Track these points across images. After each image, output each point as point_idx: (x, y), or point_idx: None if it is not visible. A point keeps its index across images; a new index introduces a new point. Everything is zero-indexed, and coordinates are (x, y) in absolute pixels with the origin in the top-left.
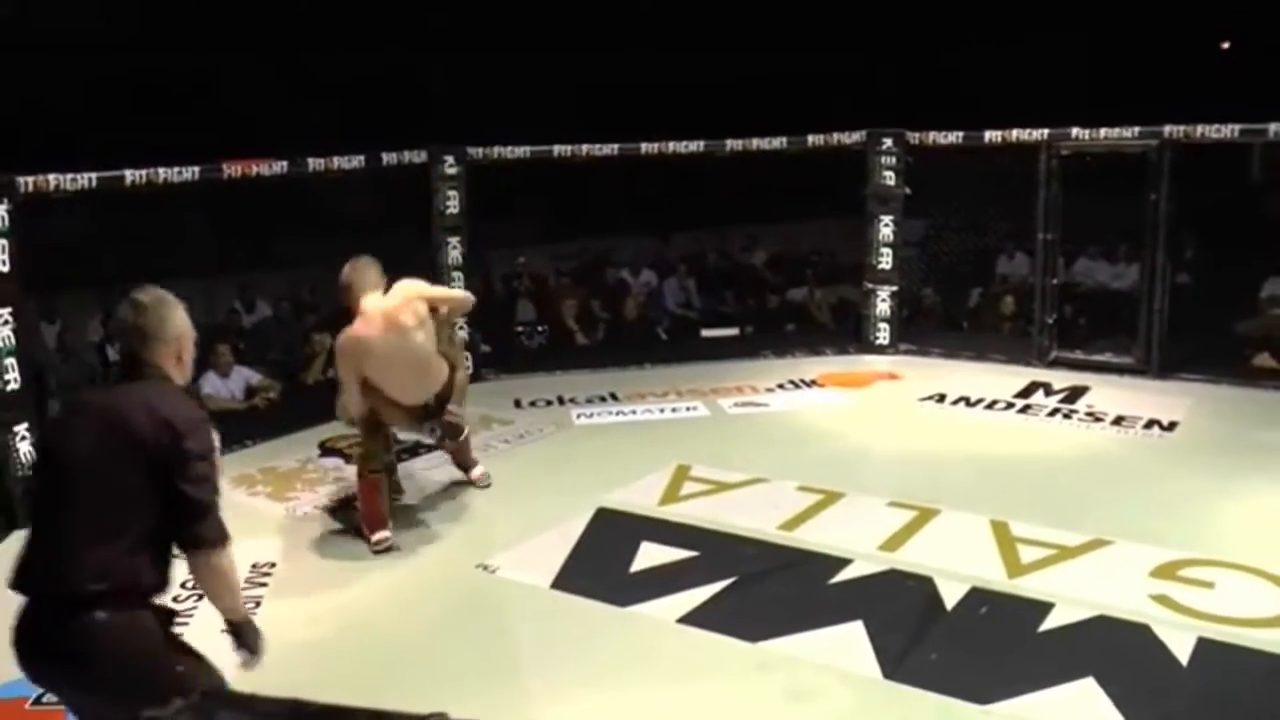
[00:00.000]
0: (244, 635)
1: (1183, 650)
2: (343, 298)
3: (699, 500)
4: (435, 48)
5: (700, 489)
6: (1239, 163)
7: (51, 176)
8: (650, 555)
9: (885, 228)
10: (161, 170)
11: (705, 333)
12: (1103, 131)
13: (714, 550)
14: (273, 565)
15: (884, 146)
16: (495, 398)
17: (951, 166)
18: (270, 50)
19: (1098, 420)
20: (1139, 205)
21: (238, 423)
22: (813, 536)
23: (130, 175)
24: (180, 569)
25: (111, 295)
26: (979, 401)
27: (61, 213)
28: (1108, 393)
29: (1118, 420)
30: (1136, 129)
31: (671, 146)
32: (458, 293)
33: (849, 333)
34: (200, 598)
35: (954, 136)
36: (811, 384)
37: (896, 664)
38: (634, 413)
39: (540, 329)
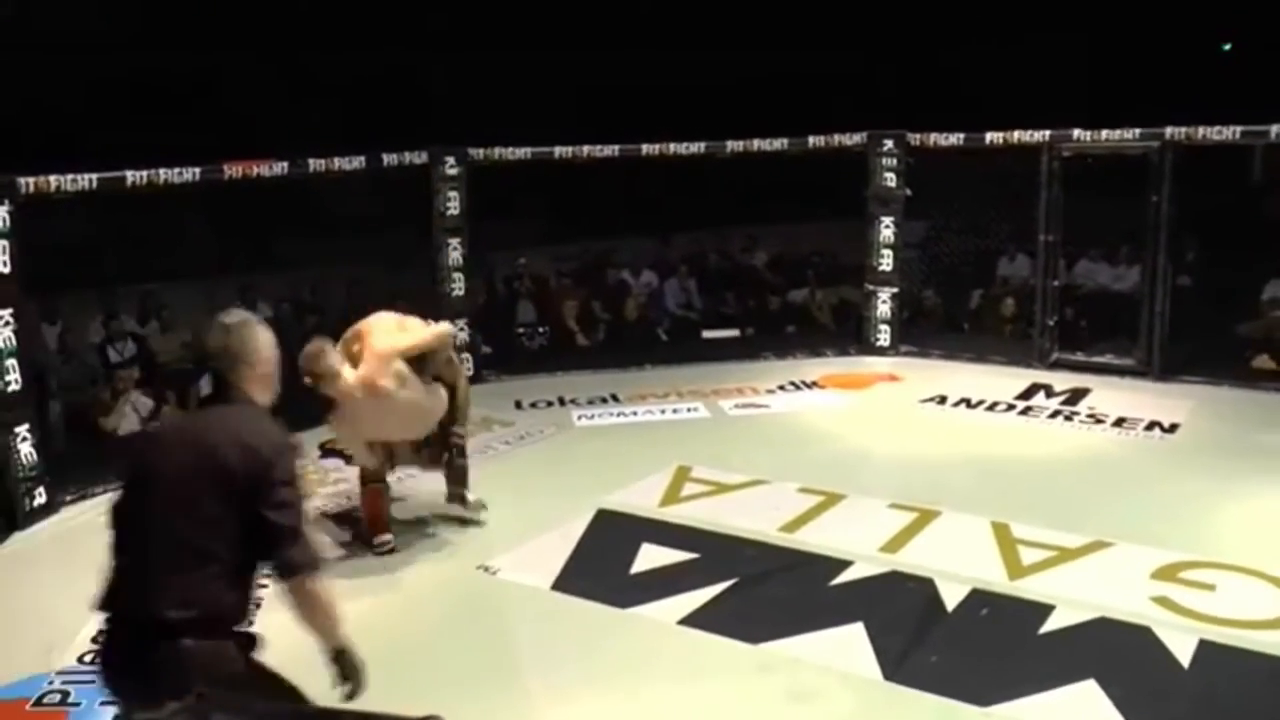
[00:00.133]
0: (344, 663)
1: (1184, 652)
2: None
3: (700, 501)
4: (435, 48)
5: (701, 490)
6: (1240, 164)
7: (52, 177)
8: (651, 557)
9: (886, 229)
10: (162, 171)
11: (706, 334)
12: (1104, 133)
13: (715, 552)
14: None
15: (885, 148)
16: (496, 399)
17: (952, 168)
18: (270, 50)
19: (1099, 422)
20: (1140, 207)
21: None
22: (813, 538)
23: (131, 176)
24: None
25: (112, 296)
26: (980, 403)
27: (62, 214)
28: (1109, 394)
29: (1119, 422)
30: (1138, 130)
31: (672, 147)
32: (429, 334)
33: (850, 334)
34: None
35: (955, 138)
36: (812, 385)
37: (897, 665)
38: (635, 414)
39: (541, 330)
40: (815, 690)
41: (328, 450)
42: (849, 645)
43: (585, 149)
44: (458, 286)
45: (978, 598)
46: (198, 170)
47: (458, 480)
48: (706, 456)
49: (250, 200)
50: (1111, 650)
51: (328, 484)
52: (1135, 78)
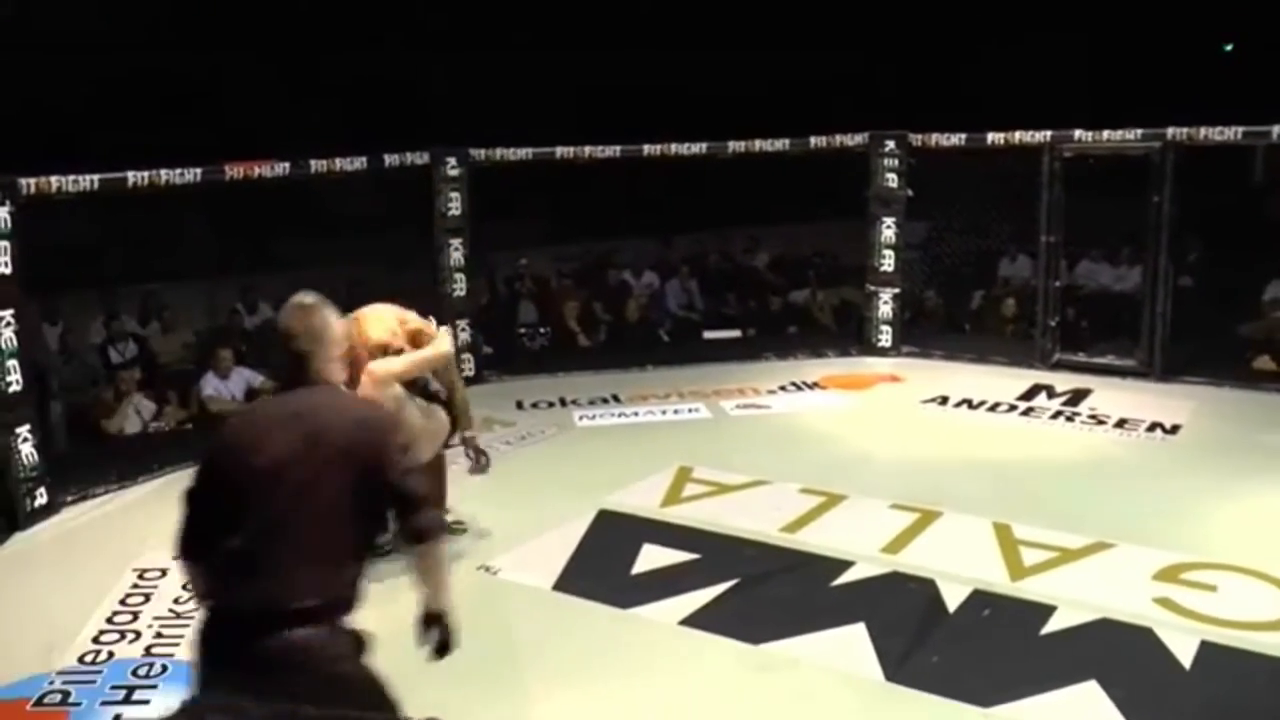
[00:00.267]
0: (444, 626)
1: (1185, 653)
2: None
3: (701, 502)
4: (436, 48)
5: (702, 491)
6: (1241, 165)
7: (53, 178)
8: (652, 557)
9: (888, 230)
10: (163, 171)
11: (707, 334)
12: (1105, 133)
13: (716, 552)
14: None
15: (886, 148)
16: (497, 399)
17: (954, 168)
18: (271, 51)
19: (1100, 423)
20: (1141, 207)
21: None
22: (815, 539)
23: (132, 177)
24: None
25: (113, 296)
26: (981, 404)
27: (64, 214)
28: (1110, 395)
29: (1120, 423)
30: (1139, 131)
31: (674, 148)
32: (428, 355)
33: (851, 335)
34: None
35: (956, 138)
36: (813, 386)
37: (898, 666)
38: (636, 414)
39: (542, 330)
40: (816, 691)
41: None
42: (850, 646)
43: (587, 150)
44: (459, 287)
45: (979, 598)
46: (199, 171)
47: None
48: (708, 457)
49: (251, 201)
50: (1113, 651)
51: None
52: (1136, 78)
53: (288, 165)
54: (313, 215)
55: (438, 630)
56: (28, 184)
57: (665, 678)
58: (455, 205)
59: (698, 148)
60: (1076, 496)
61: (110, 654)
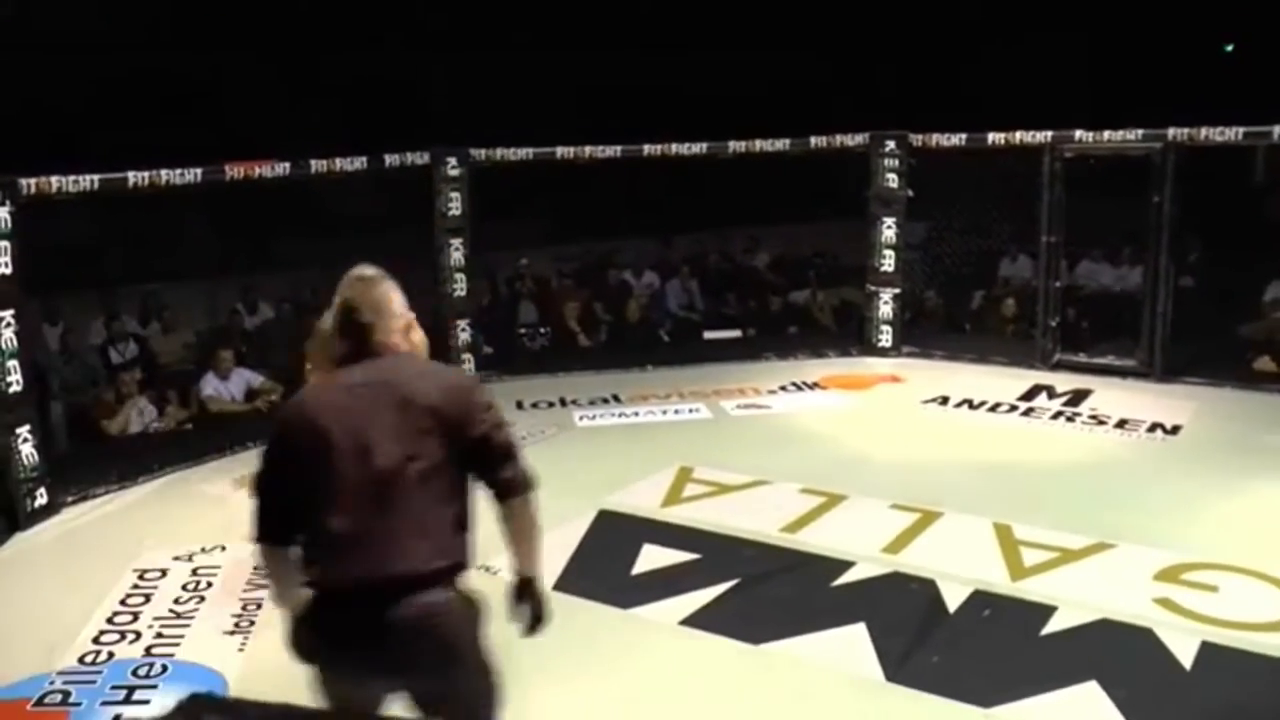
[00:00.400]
0: (534, 593)
1: (1186, 654)
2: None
3: (701, 502)
4: (436, 48)
5: (702, 491)
6: (1242, 165)
7: (54, 178)
8: (652, 557)
9: (888, 230)
10: (164, 172)
11: (707, 334)
12: (1106, 134)
13: (716, 552)
14: None
15: (887, 148)
16: (498, 399)
17: (954, 169)
18: (271, 51)
19: (1101, 423)
20: (1141, 206)
21: (239, 425)
22: (815, 539)
23: (132, 177)
24: None
25: (113, 296)
26: (982, 404)
27: (64, 215)
28: (1111, 396)
29: (1121, 423)
30: (1140, 131)
31: (674, 148)
32: None
33: (851, 335)
34: (208, 586)
35: (957, 139)
36: (814, 386)
37: (899, 666)
38: (636, 414)
39: (542, 331)
40: (817, 691)
41: None
42: (851, 646)
43: (587, 150)
44: (459, 287)
45: (980, 599)
46: (199, 171)
47: None
48: (708, 457)
49: (252, 201)
50: (1113, 652)
51: None
52: (1137, 78)
53: (288, 165)
54: (313, 215)
55: (529, 602)
56: (28, 184)
57: (665, 678)
58: (456, 205)
59: (698, 148)
60: (1077, 497)
61: (110, 654)
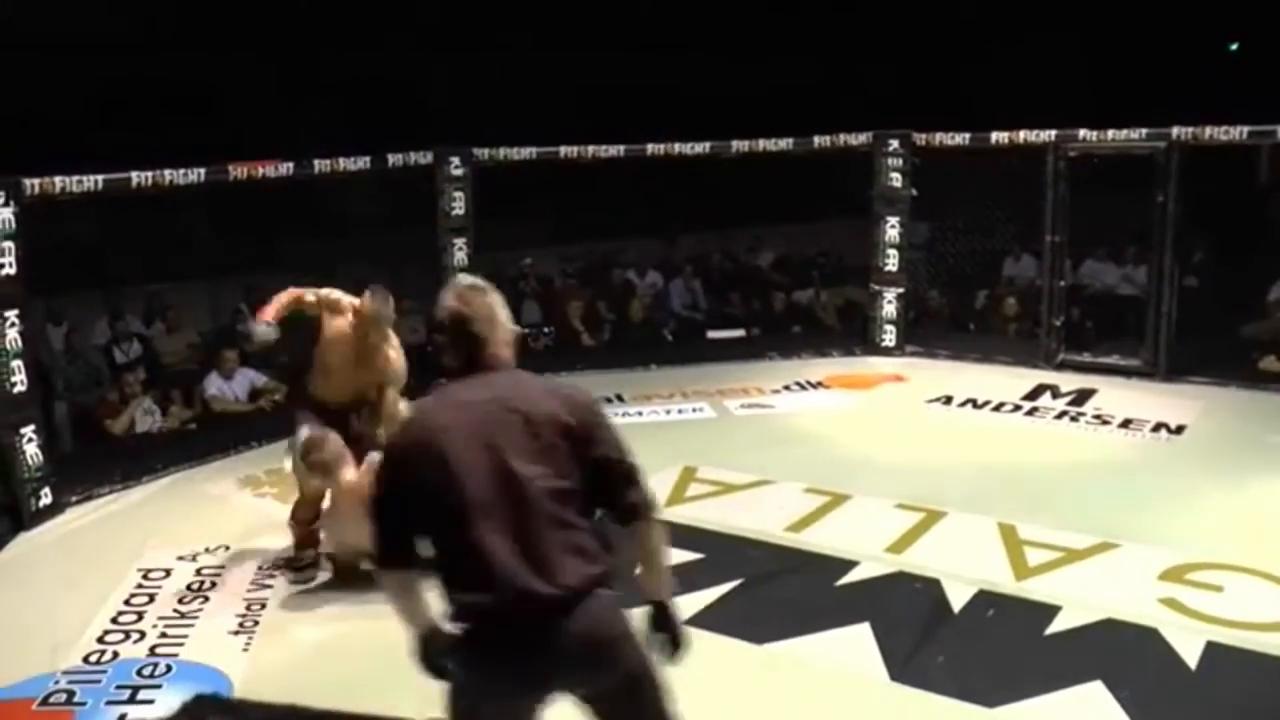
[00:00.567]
0: (673, 619)
1: (1191, 654)
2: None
3: (705, 502)
4: (437, 49)
5: (706, 490)
6: (1247, 164)
7: (57, 178)
8: None
9: (891, 229)
10: (167, 172)
11: (711, 334)
12: (1110, 133)
13: (720, 552)
14: (279, 567)
15: (890, 148)
16: None
17: (958, 168)
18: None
19: (1105, 423)
20: (1146, 203)
21: (242, 425)
22: (819, 538)
23: (136, 177)
24: None
25: (117, 297)
26: (986, 404)
27: (68, 215)
28: (1115, 395)
29: (1125, 423)
30: (1144, 130)
31: (677, 148)
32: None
33: (855, 334)
34: (212, 586)
35: (961, 138)
36: (817, 386)
37: (903, 666)
38: (640, 414)
39: (546, 330)
40: (821, 690)
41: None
42: (855, 646)
43: (590, 149)
44: None
45: (984, 598)
46: (203, 171)
47: None
48: (712, 457)
49: (254, 201)
50: (1118, 652)
51: None
52: (1142, 77)
53: (291, 165)
54: (316, 215)
55: (667, 628)
56: (32, 184)
57: (669, 677)
58: (459, 205)
59: (701, 147)
60: (1081, 496)
61: (115, 654)
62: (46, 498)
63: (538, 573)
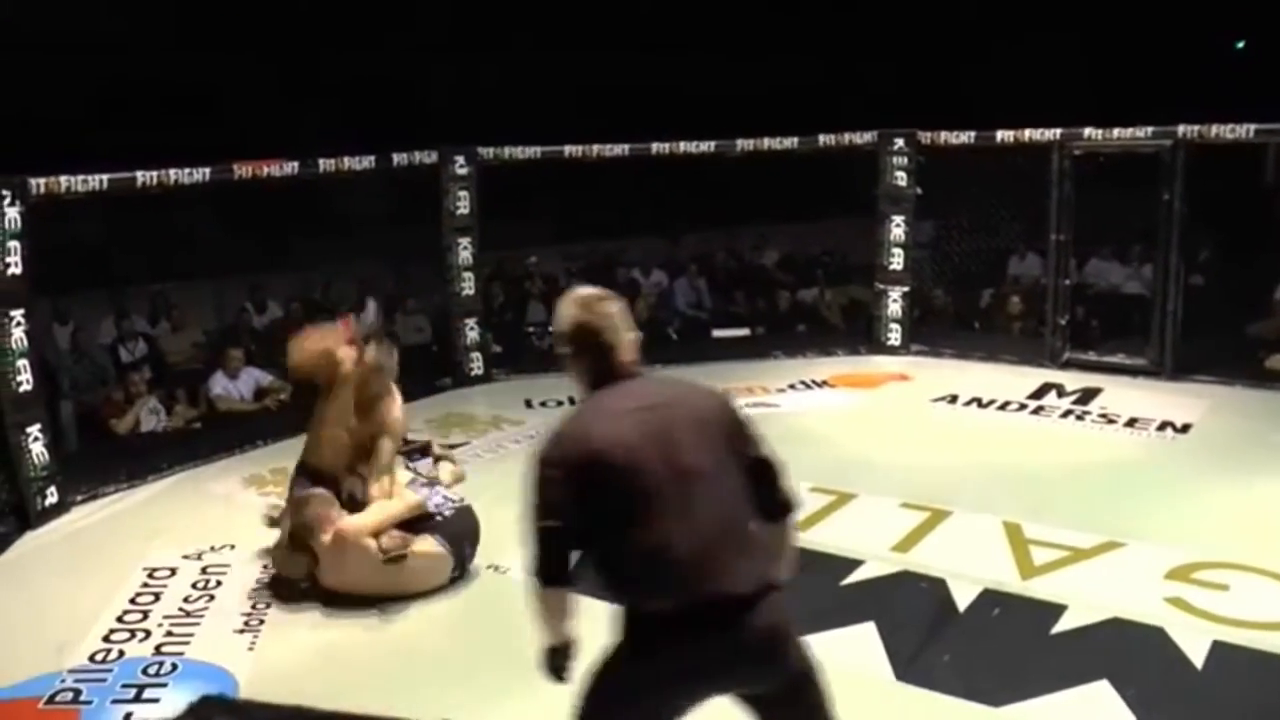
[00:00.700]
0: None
1: (1198, 653)
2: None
3: None
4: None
5: None
6: (1253, 163)
7: (63, 178)
8: None
9: (896, 228)
10: (173, 171)
11: (716, 333)
12: (1116, 131)
13: None
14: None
15: (895, 146)
16: (506, 397)
17: (963, 167)
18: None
19: (1111, 422)
20: (1151, 200)
21: (247, 424)
22: (824, 537)
23: (141, 176)
24: None
25: (122, 296)
26: (991, 403)
27: (74, 215)
28: (1121, 394)
29: (1131, 422)
30: (1150, 129)
31: (682, 146)
32: (399, 507)
33: (860, 333)
34: (218, 585)
35: (966, 136)
36: (822, 384)
37: (908, 665)
38: None
39: (551, 329)
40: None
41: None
42: (860, 645)
43: (595, 148)
44: (467, 286)
45: (990, 598)
46: (207, 170)
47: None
48: None
49: (259, 200)
50: (1124, 651)
51: None
52: (1147, 76)
53: (296, 165)
54: (319, 215)
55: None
56: (38, 184)
57: None
58: (463, 204)
59: (706, 146)
60: (1087, 495)
61: (121, 652)
62: (52, 497)
63: (722, 572)
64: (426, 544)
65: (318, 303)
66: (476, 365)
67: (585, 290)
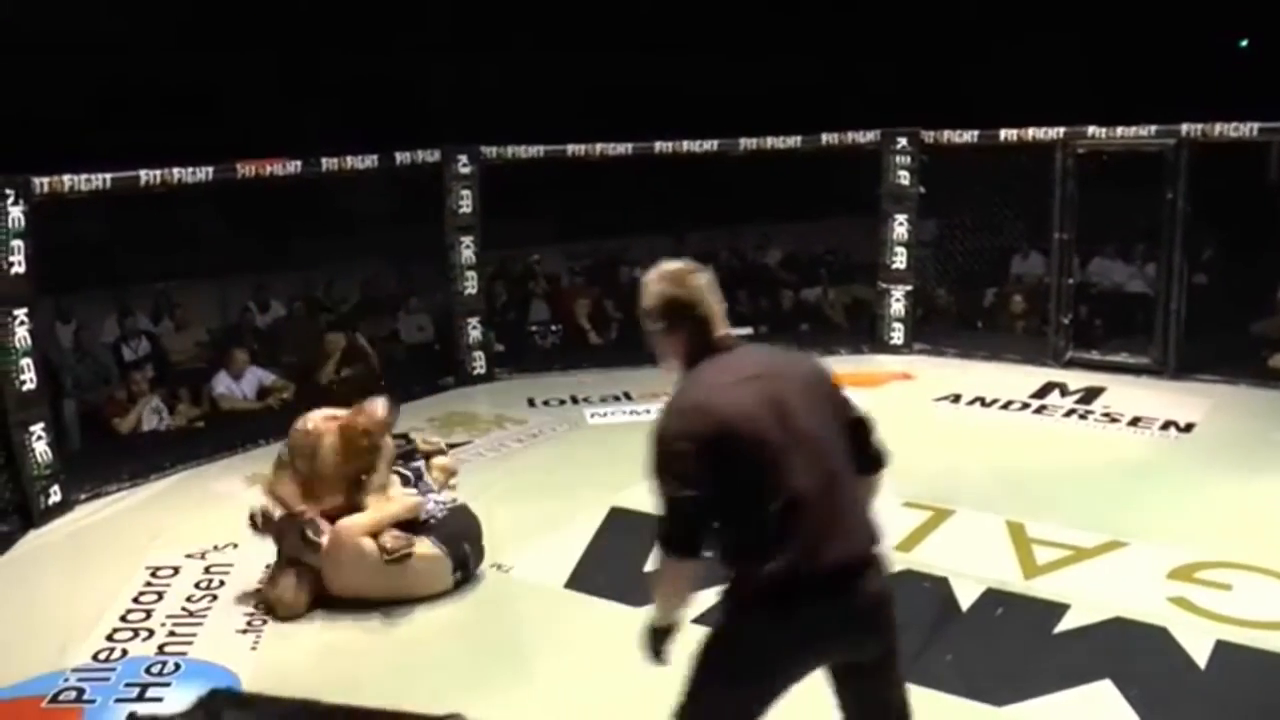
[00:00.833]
0: None
1: (1201, 653)
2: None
3: None
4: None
5: None
6: (1257, 161)
7: (66, 177)
8: None
9: (899, 227)
10: (176, 170)
11: None
12: (1119, 130)
13: None
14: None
15: (898, 145)
16: (509, 397)
17: (966, 166)
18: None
19: (1114, 421)
20: (1155, 199)
21: (250, 423)
22: None
23: (144, 175)
24: None
25: (125, 295)
26: (994, 402)
27: (77, 214)
28: (1124, 393)
29: (1134, 421)
30: (1153, 127)
31: (685, 145)
32: (396, 509)
33: (863, 332)
34: (221, 584)
35: (969, 135)
36: None
37: (911, 665)
38: (647, 412)
39: (554, 328)
40: (826, 689)
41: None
42: None
43: (598, 147)
44: (470, 285)
45: (992, 597)
46: (210, 170)
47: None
48: None
49: (262, 199)
50: (1127, 650)
51: None
52: (1150, 75)
53: (299, 164)
54: (322, 214)
55: None
56: (41, 183)
57: (677, 675)
58: (466, 203)
59: (709, 145)
60: (1090, 495)
61: (124, 651)
62: (55, 495)
63: (848, 533)
64: (422, 546)
65: (320, 302)
66: (479, 364)
67: (672, 264)
